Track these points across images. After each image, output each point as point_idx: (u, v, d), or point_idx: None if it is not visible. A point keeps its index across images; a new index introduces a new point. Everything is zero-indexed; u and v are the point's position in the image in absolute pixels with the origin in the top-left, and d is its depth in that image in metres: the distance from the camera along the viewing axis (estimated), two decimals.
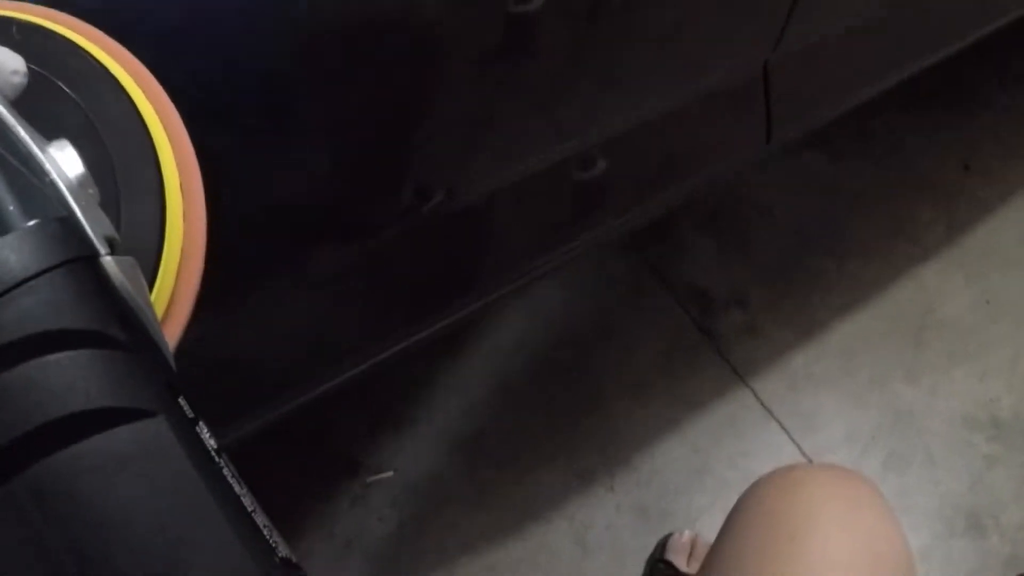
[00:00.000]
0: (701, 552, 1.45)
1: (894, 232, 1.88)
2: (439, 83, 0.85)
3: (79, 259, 0.37)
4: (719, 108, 1.14)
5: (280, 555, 0.40)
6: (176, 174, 0.51)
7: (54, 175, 0.40)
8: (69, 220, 0.38)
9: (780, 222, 1.88)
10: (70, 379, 0.35)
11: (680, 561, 1.44)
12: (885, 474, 1.60)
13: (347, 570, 1.51)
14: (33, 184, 0.39)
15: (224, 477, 0.39)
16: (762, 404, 1.66)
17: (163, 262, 0.49)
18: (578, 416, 1.65)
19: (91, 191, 0.43)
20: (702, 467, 1.60)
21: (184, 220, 0.51)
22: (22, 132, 0.40)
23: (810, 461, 1.59)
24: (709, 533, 1.50)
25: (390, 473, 1.59)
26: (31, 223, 0.36)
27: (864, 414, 1.67)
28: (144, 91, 0.52)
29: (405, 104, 0.84)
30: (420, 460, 1.61)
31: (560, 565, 1.51)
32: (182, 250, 0.50)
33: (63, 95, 0.50)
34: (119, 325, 0.37)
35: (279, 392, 0.98)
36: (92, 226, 0.39)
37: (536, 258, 1.11)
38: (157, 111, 0.52)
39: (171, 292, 0.49)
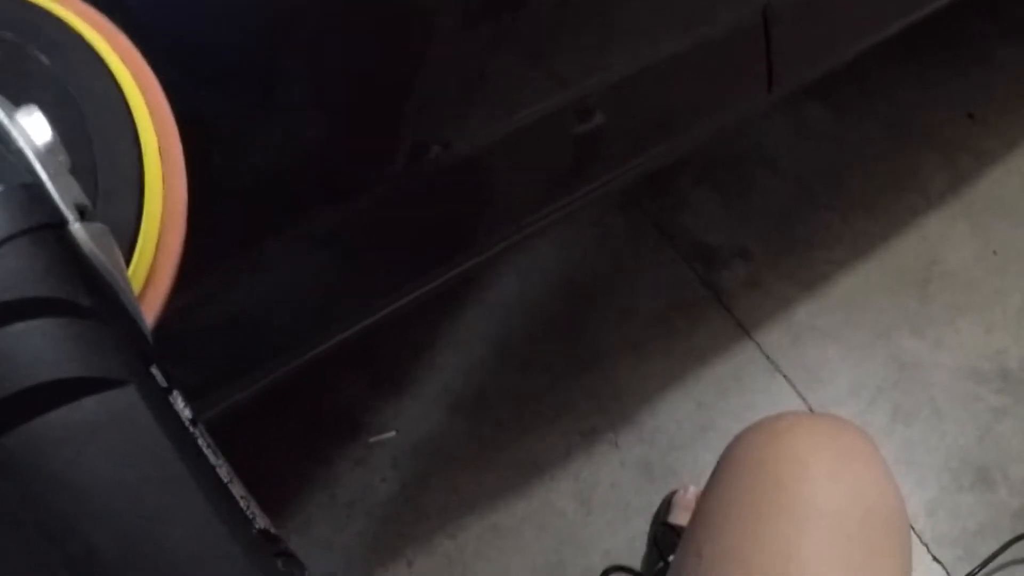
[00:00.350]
0: None
1: (897, 184, 1.86)
2: (432, 33, 0.84)
3: (45, 226, 0.36)
4: (719, 56, 1.12)
5: (257, 527, 0.39)
6: (155, 144, 0.50)
7: (20, 141, 0.38)
8: (35, 187, 0.37)
9: (782, 175, 1.86)
10: (36, 349, 0.34)
11: (685, 517, 1.43)
12: (892, 427, 1.58)
13: (350, 532, 1.51)
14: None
15: (199, 447, 0.38)
16: (767, 358, 1.65)
17: (142, 233, 0.48)
18: (580, 373, 1.64)
19: (61, 158, 0.42)
20: (707, 423, 1.59)
21: (164, 191, 0.50)
22: None
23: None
24: None
25: (392, 434, 1.58)
26: None
27: (870, 367, 1.65)
28: (122, 59, 0.51)
29: (398, 56, 0.83)
30: (422, 420, 1.60)
31: (565, 523, 1.51)
32: (162, 221, 0.49)
33: (38, 64, 0.48)
34: (87, 293, 0.36)
35: (277, 354, 0.97)
36: (61, 193, 0.38)
37: (535, 212, 1.10)
38: (137, 80, 0.51)
39: (151, 262, 0.48)
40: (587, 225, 1.78)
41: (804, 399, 1.61)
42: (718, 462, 0.85)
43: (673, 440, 1.58)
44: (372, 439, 1.57)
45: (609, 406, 1.61)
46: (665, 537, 1.40)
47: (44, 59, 0.48)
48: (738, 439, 0.85)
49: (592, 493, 1.53)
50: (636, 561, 1.48)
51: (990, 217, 1.82)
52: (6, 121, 0.38)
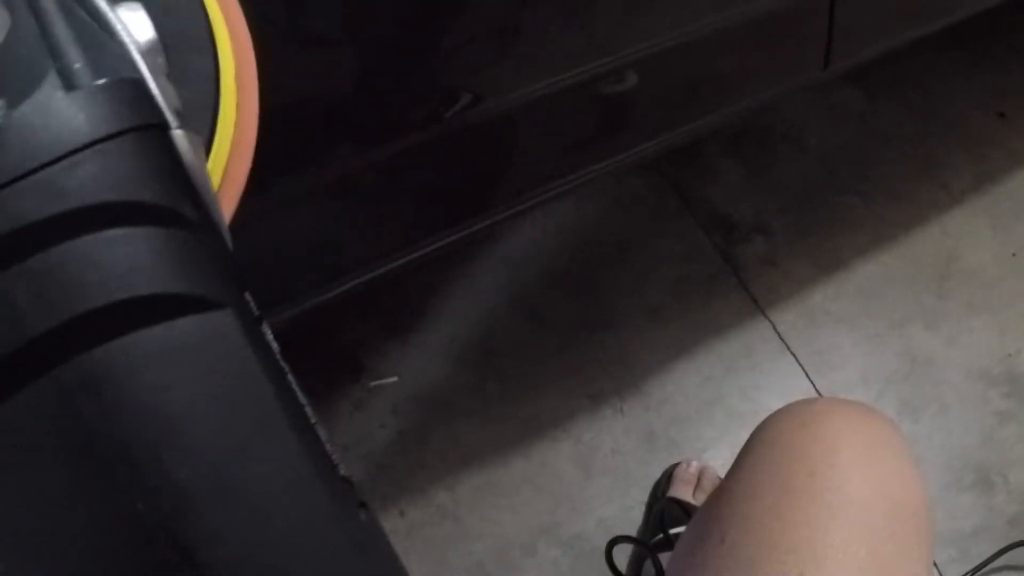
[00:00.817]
0: (708, 484, 1.42)
1: (923, 175, 1.83)
2: None
3: (151, 126, 0.33)
4: (779, 30, 1.09)
5: (341, 472, 0.36)
6: (233, 65, 0.46)
7: (123, 35, 0.35)
8: (140, 83, 0.34)
9: (809, 154, 1.83)
10: (134, 258, 0.31)
11: (686, 492, 1.41)
12: (899, 420, 1.57)
13: None
14: (102, 41, 0.34)
15: (290, 384, 0.35)
16: (780, 337, 1.63)
17: (212, 157, 0.45)
18: (590, 335, 1.61)
19: (160, 60, 0.38)
20: (714, 397, 1.57)
21: (236, 117, 0.46)
22: None
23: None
24: (716, 465, 1.47)
25: (394, 379, 1.55)
26: (101, 82, 0.32)
27: (881, 357, 1.63)
28: None
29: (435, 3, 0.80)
30: (426, 368, 1.57)
31: (562, 486, 1.49)
32: (231, 148, 0.46)
33: None
34: (191, 205, 0.33)
35: (288, 295, 0.94)
36: (163, 96, 0.35)
37: (561, 176, 1.08)
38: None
39: (216, 191, 0.45)
40: (608, 184, 1.75)
41: (813, 383, 1.59)
42: (747, 442, 0.84)
43: (678, 412, 1.56)
44: (373, 383, 1.55)
45: (617, 371, 1.58)
46: (669, 510, 1.39)
47: None
48: (770, 421, 0.84)
49: (592, 458, 1.51)
50: (631, 530, 1.46)
51: (1012, 218, 1.80)
52: (110, 12, 0.35)
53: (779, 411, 0.84)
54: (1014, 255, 1.76)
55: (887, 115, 1.90)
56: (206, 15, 0.46)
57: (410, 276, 1.64)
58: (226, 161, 0.45)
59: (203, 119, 0.45)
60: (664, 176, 1.77)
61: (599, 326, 1.62)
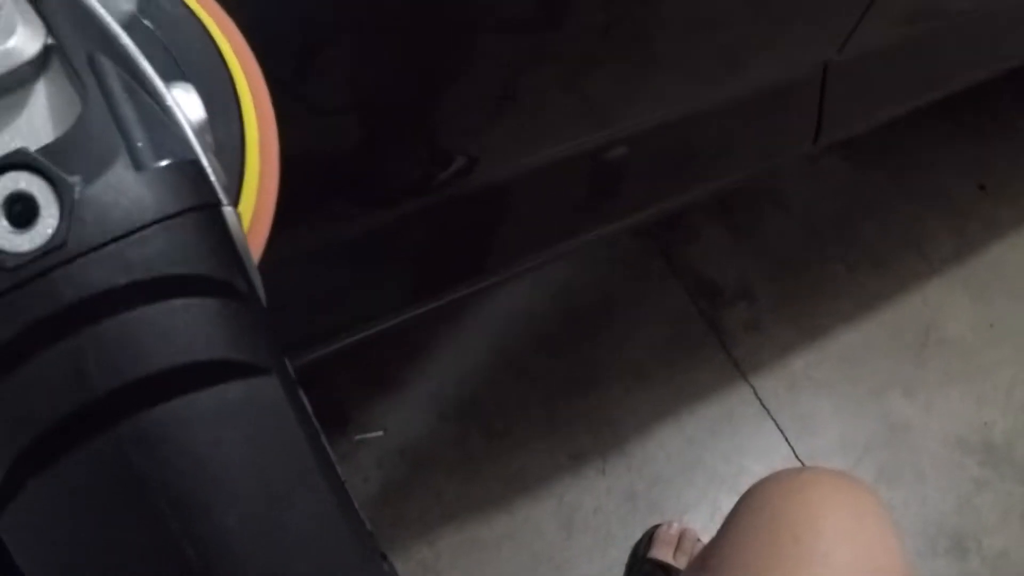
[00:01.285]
0: (688, 546, 1.43)
1: (905, 244, 1.87)
2: (471, 47, 0.83)
3: (209, 205, 0.35)
4: (770, 106, 1.11)
5: (368, 527, 0.39)
6: (257, 135, 0.48)
7: (180, 116, 0.37)
8: (198, 163, 0.36)
9: (794, 220, 1.87)
10: (193, 327, 0.33)
11: (666, 553, 1.42)
12: (875, 486, 1.58)
13: None
14: (162, 120, 0.36)
15: (323, 443, 0.38)
16: (760, 402, 1.65)
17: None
18: (575, 393, 1.63)
19: (208, 138, 0.41)
20: (695, 460, 1.58)
21: (259, 179, 0.48)
22: (149, 67, 0.38)
23: (802, 464, 1.58)
24: (696, 527, 1.48)
25: (380, 432, 1.56)
26: (165, 162, 0.34)
27: (860, 423, 1.65)
28: (229, 41, 0.49)
29: (435, 65, 0.82)
30: (411, 423, 1.58)
31: (544, 544, 1.49)
32: (253, 211, 0.48)
33: (151, 36, 0.47)
34: (240, 276, 0.36)
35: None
36: (214, 173, 0.37)
37: (552, 245, 1.09)
38: (241, 63, 0.49)
39: None
40: (596, 246, 1.77)
41: (793, 448, 1.61)
42: (734, 509, 0.85)
43: (660, 473, 1.57)
44: (359, 436, 1.55)
45: (600, 430, 1.59)
46: (650, 571, 1.39)
47: (157, 31, 0.47)
48: (757, 488, 0.85)
49: (574, 516, 1.52)
50: None
51: (991, 290, 1.83)
52: (167, 94, 0.37)
53: (766, 479, 0.86)
54: (992, 326, 1.79)
55: (871, 184, 1.94)
56: (233, 85, 0.48)
57: (397, 331, 1.65)
58: (248, 225, 0.47)
59: (232, 188, 0.47)
60: (651, 238, 1.80)
61: (583, 385, 1.64)
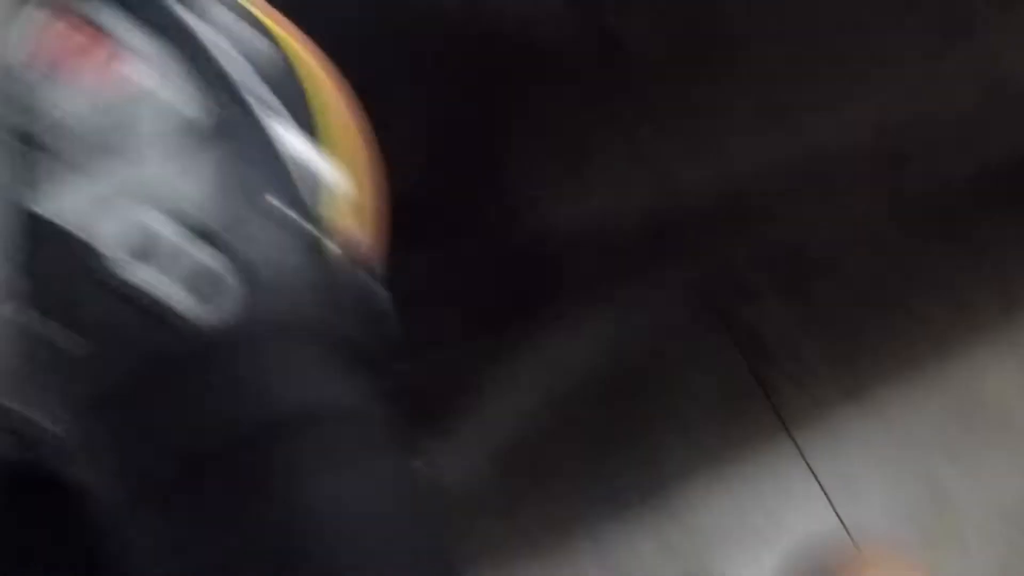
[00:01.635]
0: None
1: (954, 309, 1.85)
2: (539, 99, 0.84)
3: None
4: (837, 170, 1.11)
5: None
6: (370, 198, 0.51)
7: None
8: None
9: (843, 281, 1.86)
10: (310, 374, 0.35)
11: None
12: (918, 554, 1.57)
13: None
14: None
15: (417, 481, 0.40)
16: (805, 462, 1.64)
17: None
18: (621, 443, 1.63)
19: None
20: (738, 514, 1.58)
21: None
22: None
23: (844, 526, 1.57)
24: None
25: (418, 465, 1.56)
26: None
27: (904, 488, 1.64)
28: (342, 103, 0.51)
29: (502, 118, 0.83)
30: (452, 460, 1.58)
31: None
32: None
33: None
34: (361, 328, 0.38)
35: None
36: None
37: (608, 295, 1.09)
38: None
39: None
40: (649, 295, 1.77)
41: (836, 510, 1.60)
42: None
43: (701, 525, 1.56)
44: None
45: (644, 481, 1.59)
46: None
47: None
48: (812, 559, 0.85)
49: (615, 564, 1.52)
50: None
51: None
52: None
53: (821, 550, 0.85)
54: None
55: (923, 249, 1.92)
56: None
57: (444, 371, 1.66)
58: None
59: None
60: (703, 292, 1.80)
61: (630, 434, 1.64)
